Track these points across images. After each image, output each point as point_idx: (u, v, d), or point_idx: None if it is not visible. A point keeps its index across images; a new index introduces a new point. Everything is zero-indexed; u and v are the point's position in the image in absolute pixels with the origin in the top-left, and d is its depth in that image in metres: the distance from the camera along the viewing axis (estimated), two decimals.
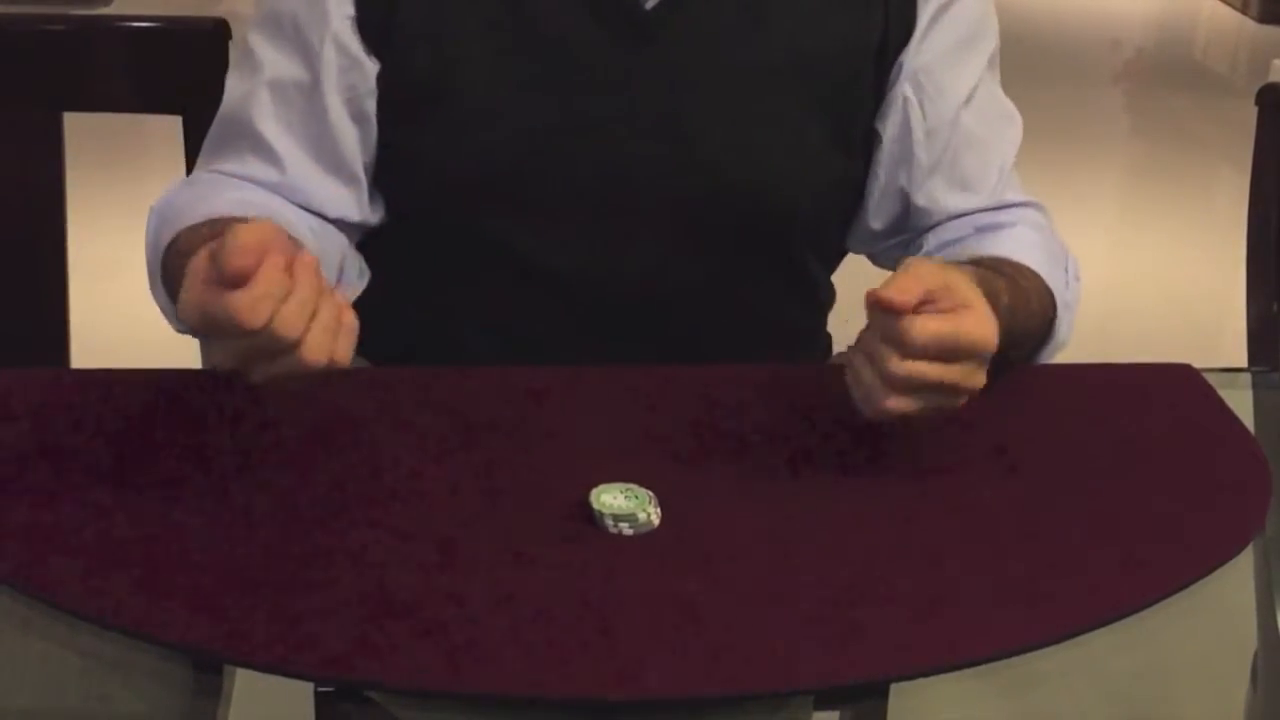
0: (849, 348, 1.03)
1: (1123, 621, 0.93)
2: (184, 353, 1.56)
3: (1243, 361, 1.68)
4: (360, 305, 1.46)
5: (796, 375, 1.28)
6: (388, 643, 0.86)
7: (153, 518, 0.93)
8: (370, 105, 1.26)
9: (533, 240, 1.27)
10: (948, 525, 1.00)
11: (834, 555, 0.96)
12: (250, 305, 0.88)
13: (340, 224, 1.28)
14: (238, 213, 1.16)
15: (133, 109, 1.51)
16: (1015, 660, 0.89)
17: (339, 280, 1.28)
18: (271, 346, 0.91)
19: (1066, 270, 1.27)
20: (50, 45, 1.55)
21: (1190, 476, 1.07)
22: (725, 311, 1.33)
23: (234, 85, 1.28)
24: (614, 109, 1.24)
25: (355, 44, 1.24)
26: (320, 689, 0.87)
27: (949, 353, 0.98)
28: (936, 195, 1.30)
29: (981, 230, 1.29)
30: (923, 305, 0.98)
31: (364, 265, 1.32)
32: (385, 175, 1.30)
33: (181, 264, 1.07)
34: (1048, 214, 1.34)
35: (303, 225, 1.22)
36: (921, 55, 1.28)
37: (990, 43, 1.32)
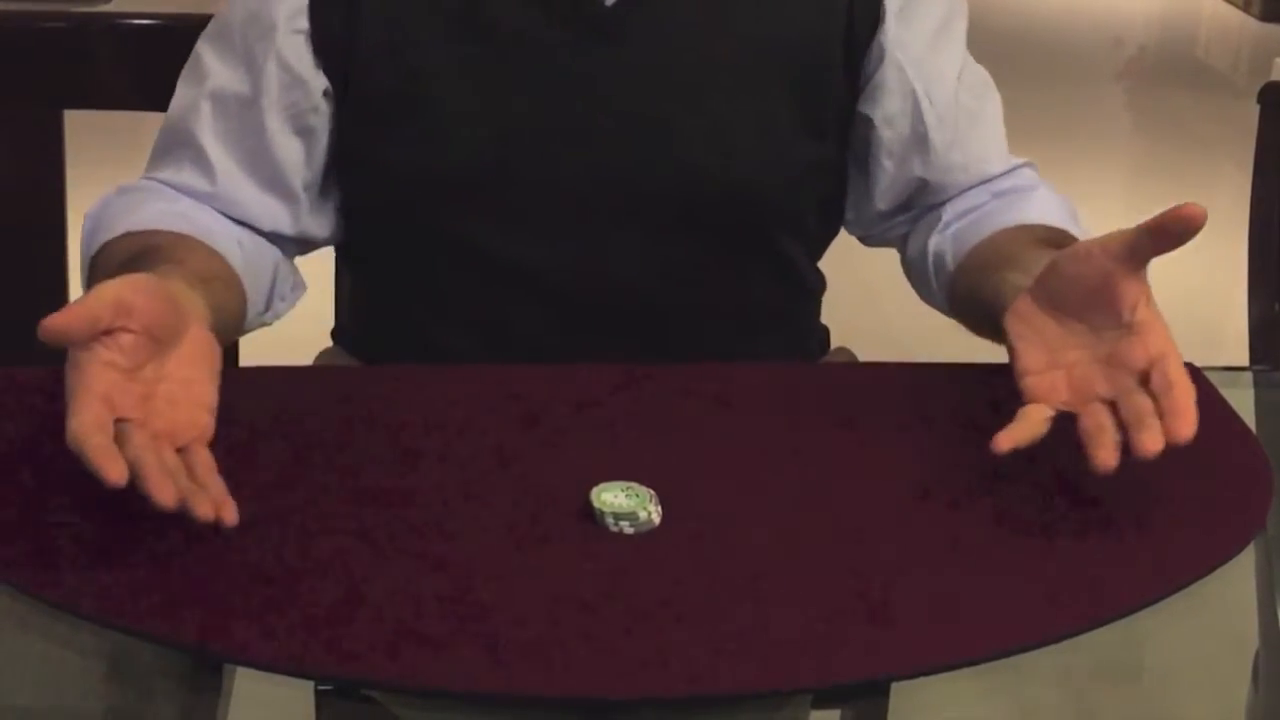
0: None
1: (1123, 620, 0.93)
2: None
3: (1244, 360, 1.68)
4: (347, 308, 1.47)
5: (798, 373, 1.28)
6: (388, 641, 0.86)
7: (152, 515, 0.93)
8: (315, 121, 1.26)
9: (509, 242, 1.27)
10: (948, 524, 1.00)
11: (835, 554, 0.96)
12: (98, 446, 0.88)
13: (273, 237, 1.28)
14: (163, 225, 1.18)
15: (133, 106, 1.51)
16: (1016, 659, 0.89)
17: (270, 293, 1.28)
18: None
19: (1078, 223, 1.31)
20: (50, 43, 1.55)
21: (1191, 475, 1.07)
22: (709, 304, 1.33)
23: (180, 93, 1.28)
24: (581, 108, 1.24)
25: (304, 60, 1.24)
26: (320, 688, 0.87)
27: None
28: (954, 174, 1.33)
29: (1000, 196, 1.33)
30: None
31: (299, 278, 1.33)
32: (357, 183, 1.30)
33: (99, 278, 1.09)
34: (1037, 168, 1.38)
35: (230, 238, 1.23)
36: (911, 43, 1.30)
37: (964, 16, 1.35)
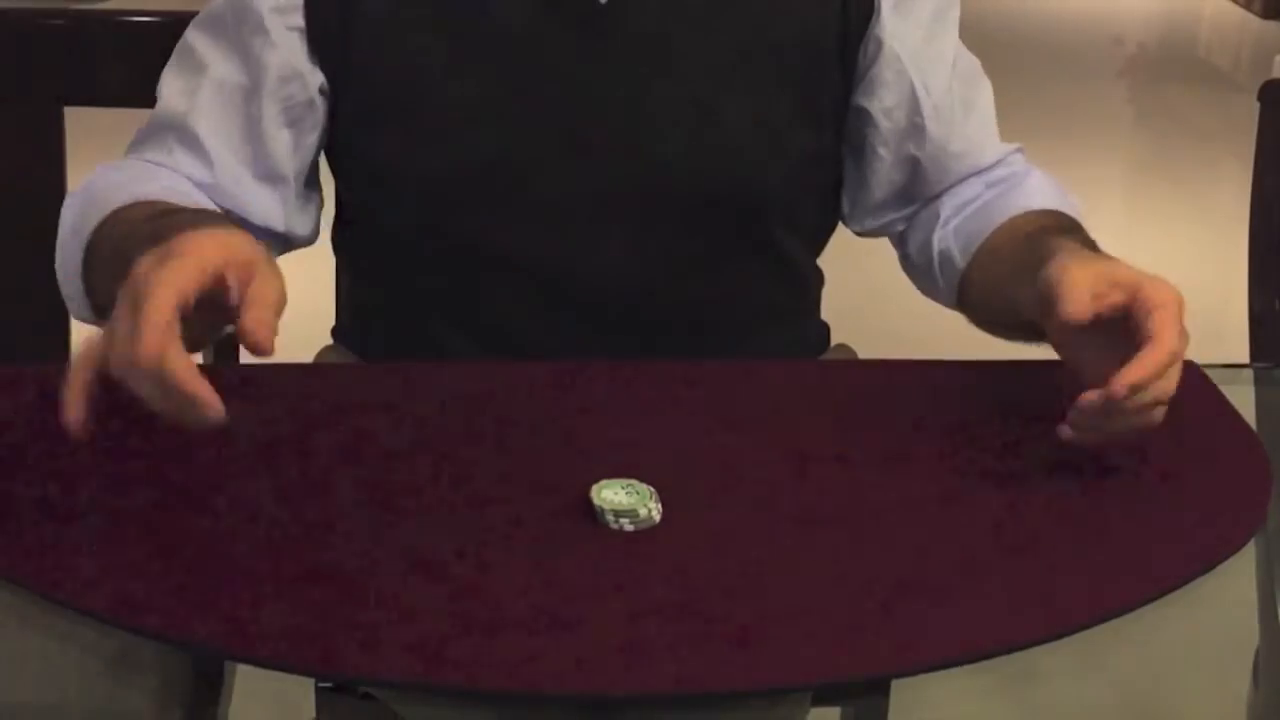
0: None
1: (1124, 617, 0.93)
2: None
3: (1244, 357, 1.68)
4: (347, 306, 1.47)
5: (798, 369, 1.28)
6: (388, 638, 0.86)
7: (152, 512, 0.93)
8: (306, 115, 1.25)
9: (507, 237, 1.27)
10: (948, 521, 1.00)
11: (835, 551, 0.96)
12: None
13: (263, 232, 1.26)
14: (171, 199, 1.14)
15: (134, 103, 1.51)
16: (1016, 656, 0.89)
17: None
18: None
19: (1069, 200, 1.33)
20: (51, 39, 1.54)
21: (1191, 472, 1.07)
22: (708, 300, 1.33)
23: (171, 82, 1.27)
24: (577, 103, 1.24)
25: (299, 53, 1.23)
26: (320, 684, 0.87)
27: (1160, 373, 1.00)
28: (949, 161, 1.34)
29: (994, 185, 1.34)
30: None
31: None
32: (354, 180, 1.30)
33: (115, 244, 1.06)
34: (1025, 152, 1.39)
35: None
36: (908, 34, 1.30)
37: (956, 4, 1.36)
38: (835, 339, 1.48)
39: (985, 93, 1.37)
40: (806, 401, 1.14)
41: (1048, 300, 1.03)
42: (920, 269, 1.38)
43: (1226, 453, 1.10)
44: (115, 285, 0.94)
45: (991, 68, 1.39)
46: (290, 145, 1.26)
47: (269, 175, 1.26)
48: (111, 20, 1.56)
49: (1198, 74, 5.87)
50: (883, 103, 1.31)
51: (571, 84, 1.24)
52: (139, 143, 1.28)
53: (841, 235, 1.44)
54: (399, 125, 1.25)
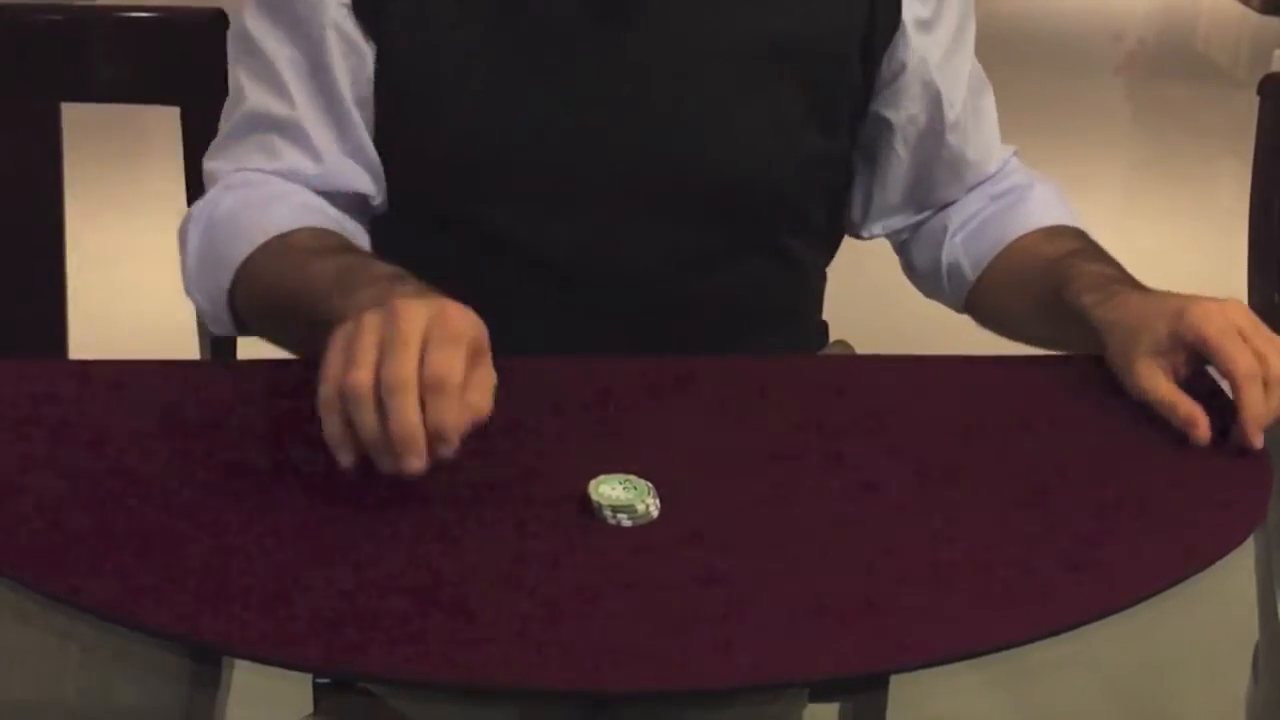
0: None
1: (1123, 614, 0.93)
2: (181, 342, 1.57)
3: None
4: None
5: (797, 365, 1.27)
6: (385, 634, 0.86)
7: (151, 509, 0.93)
8: (369, 90, 1.26)
9: (515, 225, 1.27)
10: (947, 518, 0.99)
11: (833, 548, 0.96)
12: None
13: (365, 208, 1.28)
14: (310, 223, 1.18)
15: (131, 99, 1.51)
16: (1015, 653, 0.89)
17: None
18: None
19: (1068, 207, 1.37)
20: (48, 35, 1.54)
21: (1191, 468, 1.07)
22: (714, 294, 1.33)
23: (244, 77, 1.26)
24: (599, 92, 1.24)
25: (354, 30, 1.24)
26: (318, 681, 0.87)
27: None
28: (962, 168, 1.38)
29: (998, 199, 1.38)
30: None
31: None
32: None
33: (290, 286, 1.11)
34: (1019, 154, 1.42)
35: (344, 227, 1.23)
36: (933, 48, 1.32)
37: (973, 16, 1.37)
38: (833, 335, 1.48)
39: (990, 98, 1.40)
40: (805, 397, 1.14)
41: (1120, 369, 1.12)
42: (926, 277, 1.42)
43: (1226, 448, 1.10)
44: (294, 319, 1.07)
45: (990, 65, 1.39)
46: (363, 117, 1.26)
47: (358, 151, 1.26)
48: (108, 17, 1.56)
49: (1197, 69, 5.87)
50: (907, 111, 1.33)
51: (595, 72, 1.24)
52: (231, 146, 1.27)
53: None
54: (421, 109, 1.25)
